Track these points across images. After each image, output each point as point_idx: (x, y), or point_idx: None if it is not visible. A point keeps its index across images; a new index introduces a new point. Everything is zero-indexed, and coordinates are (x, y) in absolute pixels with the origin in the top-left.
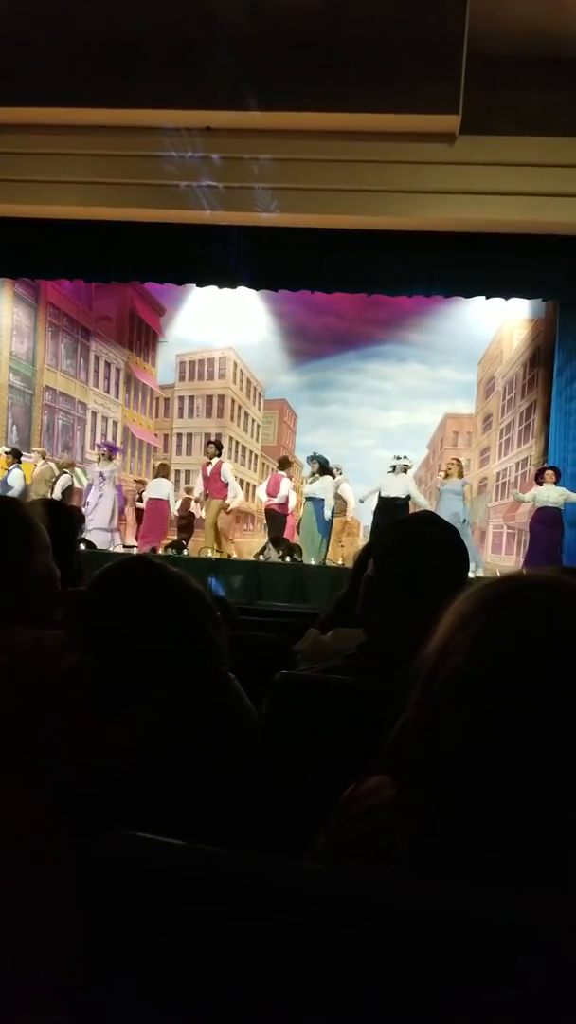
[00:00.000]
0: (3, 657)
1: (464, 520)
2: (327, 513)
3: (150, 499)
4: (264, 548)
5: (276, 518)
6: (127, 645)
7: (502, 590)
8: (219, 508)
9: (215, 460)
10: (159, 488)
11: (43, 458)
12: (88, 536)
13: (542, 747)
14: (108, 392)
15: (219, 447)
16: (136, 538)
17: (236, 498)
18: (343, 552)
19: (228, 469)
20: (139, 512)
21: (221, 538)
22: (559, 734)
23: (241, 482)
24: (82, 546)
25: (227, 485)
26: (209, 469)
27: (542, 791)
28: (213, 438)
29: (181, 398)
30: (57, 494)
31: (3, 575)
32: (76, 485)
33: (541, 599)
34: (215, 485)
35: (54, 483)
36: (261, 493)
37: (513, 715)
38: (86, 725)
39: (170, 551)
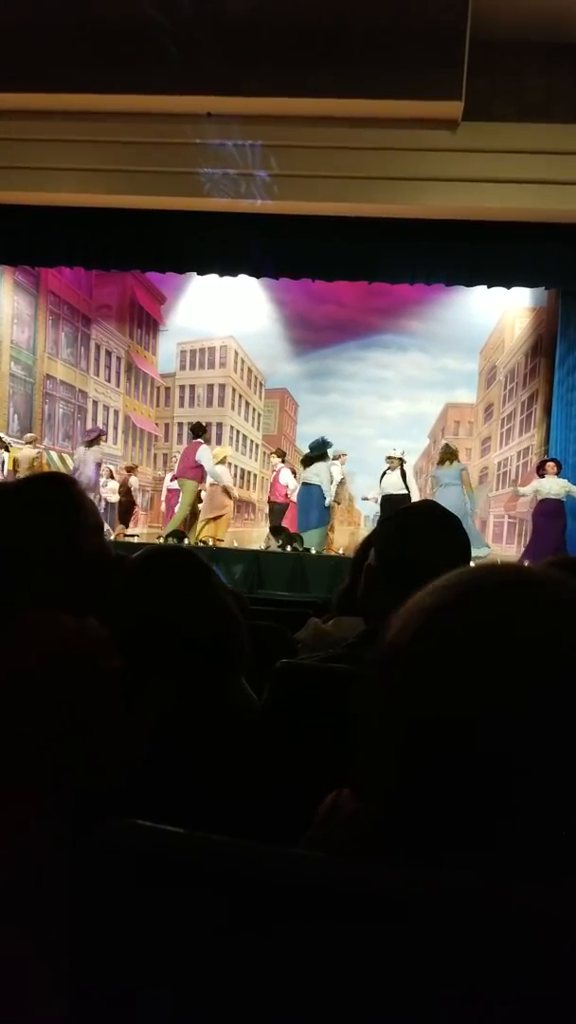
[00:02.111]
0: (37, 640)
1: (470, 509)
2: (327, 500)
3: (169, 490)
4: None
5: (276, 509)
6: (163, 634)
7: (465, 581)
8: (195, 490)
9: (193, 442)
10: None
11: (33, 444)
12: None
13: (506, 738)
14: (109, 381)
15: (201, 429)
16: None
17: (220, 479)
18: (339, 541)
19: (206, 453)
20: (123, 502)
21: (199, 523)
22: (522, 725)
23: (243, 471)
24: None
25: (200, 467)
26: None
27: (510, 782)
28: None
29: (182, 387)
30: None
31: (49, 555)
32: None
33: (506, 590)
34: (189, 465)
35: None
36: (289, 480)
37: (476, 705)
38: (115, 731)
39: (170, 540)
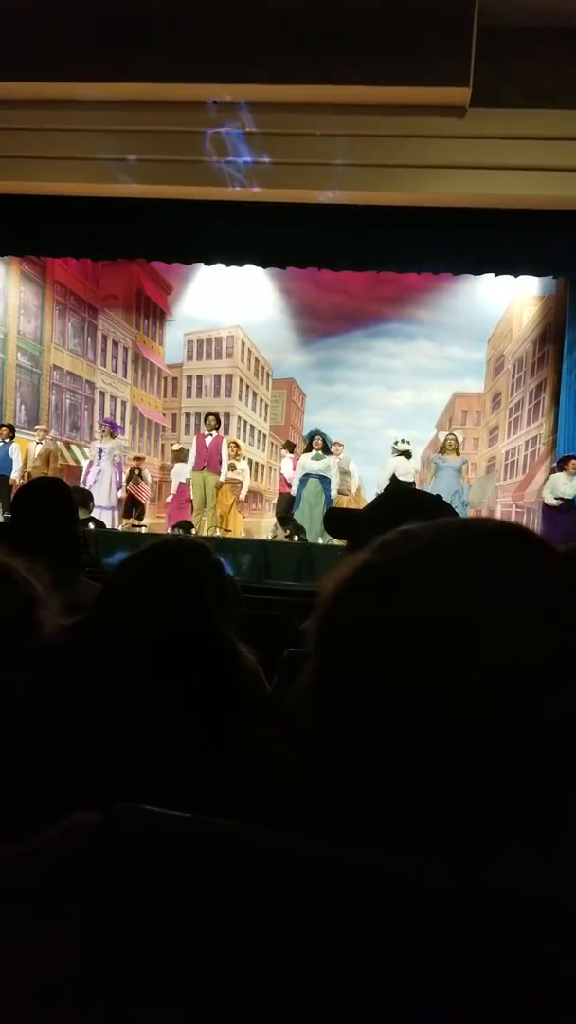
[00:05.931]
0: None
1: (464, 501)
2: (333, 492)
3: (181, 483)
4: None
5: (283, 499)
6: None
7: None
8: (218, 485)
9: (214, 434)
10: (181, 472)
11: (45, 436)
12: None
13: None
14: (116, 371)
15: (218, 420)
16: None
17: (244, 479)
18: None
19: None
20: (130, 494)
21: (228, 518)
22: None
23: (252, 462)
24: (91, 525)
25: (221, 462)
26: (208, 441)
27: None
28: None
29: (189, 377)
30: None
31: None
32: (63, 463)
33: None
34: (213, 460)
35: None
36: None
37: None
38: None
39: (178, 531)
